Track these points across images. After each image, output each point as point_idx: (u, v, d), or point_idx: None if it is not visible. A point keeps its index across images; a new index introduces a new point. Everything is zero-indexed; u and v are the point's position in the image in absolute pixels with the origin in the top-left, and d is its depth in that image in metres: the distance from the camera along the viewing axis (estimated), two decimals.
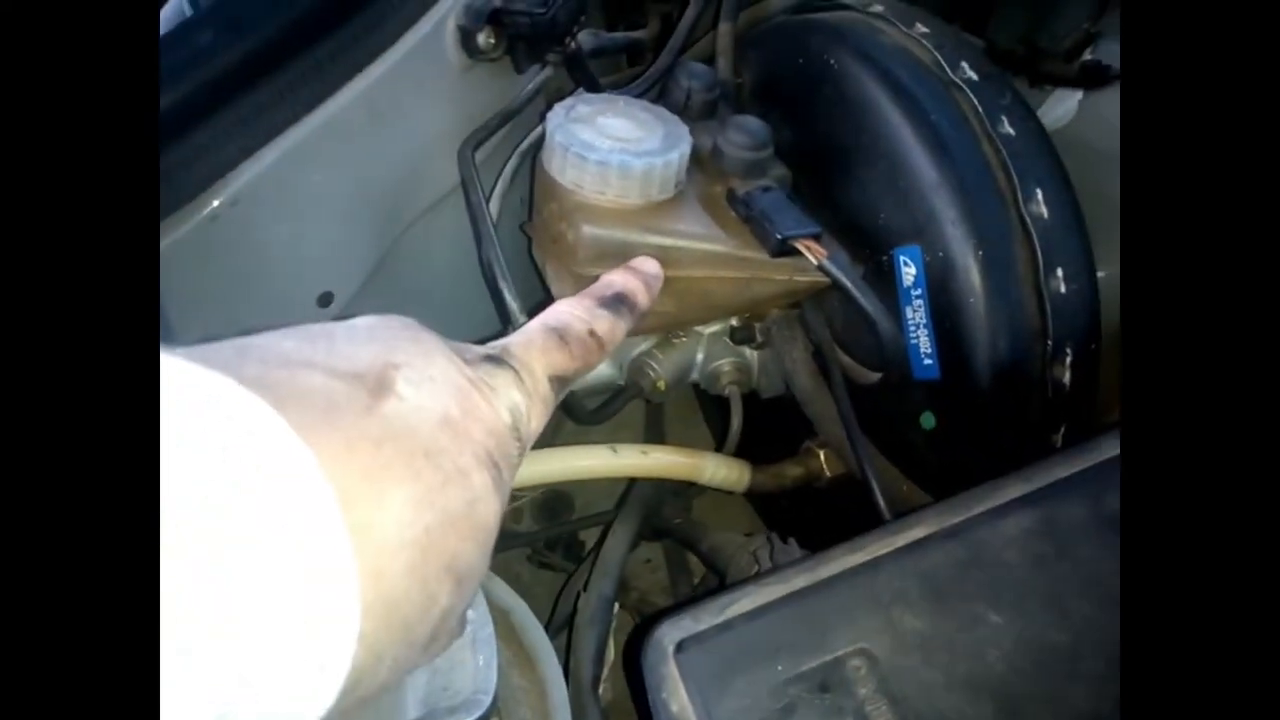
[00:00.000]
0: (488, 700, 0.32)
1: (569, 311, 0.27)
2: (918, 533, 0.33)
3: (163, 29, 0.40)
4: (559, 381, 0.26)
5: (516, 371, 0.24)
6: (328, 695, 0.17)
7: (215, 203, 0.40)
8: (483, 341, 0.26)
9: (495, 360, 0.24)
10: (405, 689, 0.32)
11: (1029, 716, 0.28)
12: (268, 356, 0.19)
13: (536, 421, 0.25)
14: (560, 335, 0.26)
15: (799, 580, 0.33)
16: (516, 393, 0.24)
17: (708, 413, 0.77)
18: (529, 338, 0.26)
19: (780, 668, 0.30)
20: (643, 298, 0.30)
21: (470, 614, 0.34)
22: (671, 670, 0.31)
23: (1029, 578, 0.31)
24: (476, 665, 0.33)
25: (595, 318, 0.27)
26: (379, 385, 0.20)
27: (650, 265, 0.32)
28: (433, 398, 0.21)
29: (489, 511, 0.21)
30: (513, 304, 0.46)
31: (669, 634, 0.32)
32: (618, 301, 0.29)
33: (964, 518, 0.34)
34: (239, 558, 0.16)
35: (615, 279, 0.30)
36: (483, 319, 0.59)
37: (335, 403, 0.19)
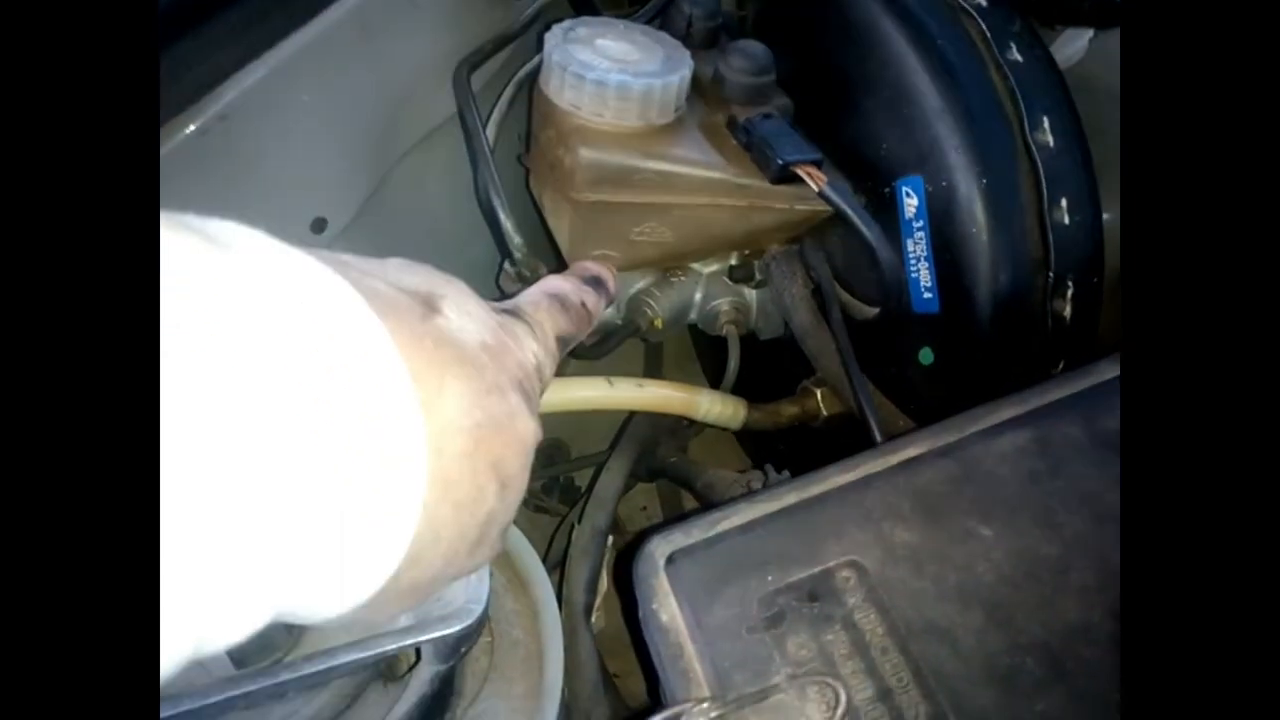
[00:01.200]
0: (479, 609, 0.32)
1: (563, 283, 0.29)
2: (911, 452, 0.33)
3: None
4: (561, 342, 0.28)
5: (531, 327, 0.26)
6: (398, 549, 0.18)
7: (203, 117, 0.39)
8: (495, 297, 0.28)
9: (513, 314, 0.26)
10: None
11: (1019, 624, 0.28)
12: (332, 260, 0.20)
13: (548, 373, 0.26)
14: (561, 302, 0.28)
15: (790, 497, 0.33)
16: (534, 343, 0.26)
17: (704, 359, 0.76)
18: (535, 300, 0.28)
19: (770, 578, 0.30)
20: (611, 284, 0.32)
21: None
22: (662, 581, 0.31)
23: (1021, 493, 0.31)
24: (468, 577, 0.33)
25: (583, 292, 0.29)
26: (428, 305, 0.22)
27: (606, 265, 0.34)
28: (471, 325, 0.22)
29: (526, 429, 0.23)
30: (507, 223, 0.45)
31: (660, 547, 0.32)
32: (598, 281, 0.31)
33: (958, 437, 0.33)
34: (320, 413, 0.17)
35: (589, 265, 0.32)
36: (478, 253, 0.58)
37: (399, 305, 0.20)
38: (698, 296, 0.54)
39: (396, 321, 0.19)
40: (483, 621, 0.33)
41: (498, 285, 0.55)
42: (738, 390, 0.56)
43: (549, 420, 0.40)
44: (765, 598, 0.30)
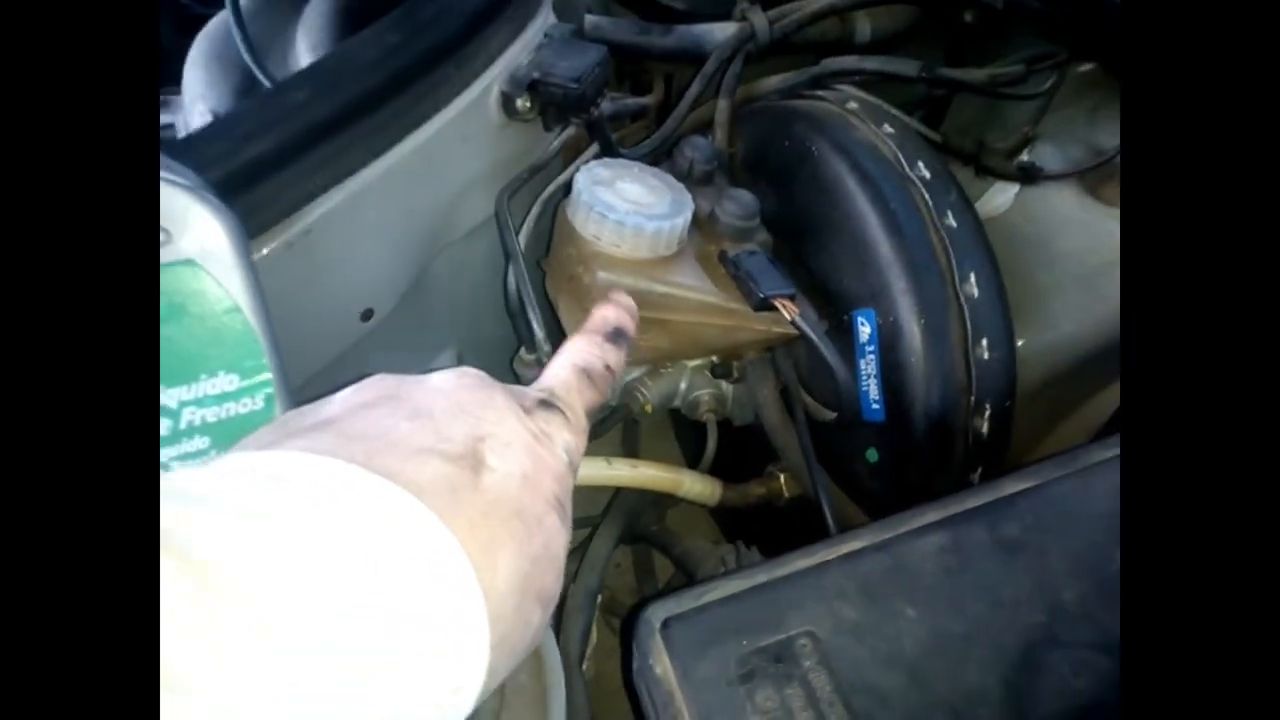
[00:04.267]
0: None
1: (587, 350, 0.32)
2: (855, 545, 0.42)
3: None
4: (591, 415, 0.31)
5: (565, 414, 0.29)
6: (463, 711, 0.22)
7: (291, 232, 0.47)
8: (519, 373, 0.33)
9: (548, 405, 0.29)
10: None
11: (932, 685, 0.37)
12: (396, 446, 0.24)
13: (579, 454, 0.30)
14: (588, 375, 0.31)
15: (761, 576, 0.41)
16: (568, 433, 0.29)
17: (680, 434, 0.85)
18: (566, 380, 0.31)
19: (744, 642, 0.39)
20: (631, 330, 0.35)
21: None
22: (657, 642, 0.39)
23: (938, 583, 0.40)
24: None
25: (606, 353, 0.33)
26: (476, 461, 0.25)
27: (627, 299, 0.37)
28: (513, 461, 0.26)
29: (559, 545, 0.27)
30: (540, 332, 0.54)
31: (656, 613, 0.40)
32: (618, 335, 0.34)
33: (892, 535, 0.42)
34: (404, 619, 0.21)
35: (609, 315, 0.34)
36: (496, 334, 0.66)
37: (455, 487, 0.24)
38: (682, 386, 0.63)
39: (453, 510, 0.23)
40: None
41: (511, 368, 0.63)
42: (713, 466, 0.64)
43: None
44: (740, 658, 0.38)
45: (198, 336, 0.36)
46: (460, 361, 0.69)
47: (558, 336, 0.61)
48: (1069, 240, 0.62)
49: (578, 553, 0.61)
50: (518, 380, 0.62)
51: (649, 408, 0.62)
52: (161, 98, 0.85)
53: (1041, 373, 0.60)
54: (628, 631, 0.41)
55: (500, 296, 0.66)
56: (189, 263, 0.36)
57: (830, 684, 0.37)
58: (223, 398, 0.37)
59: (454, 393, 0.28)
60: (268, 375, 0.38)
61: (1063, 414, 0.65)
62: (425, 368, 0.72)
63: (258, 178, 0.45)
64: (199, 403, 0.37)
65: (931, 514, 0.43)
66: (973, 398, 0.52)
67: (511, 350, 0.66)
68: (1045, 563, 0.40)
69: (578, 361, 0.32)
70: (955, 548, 0.41)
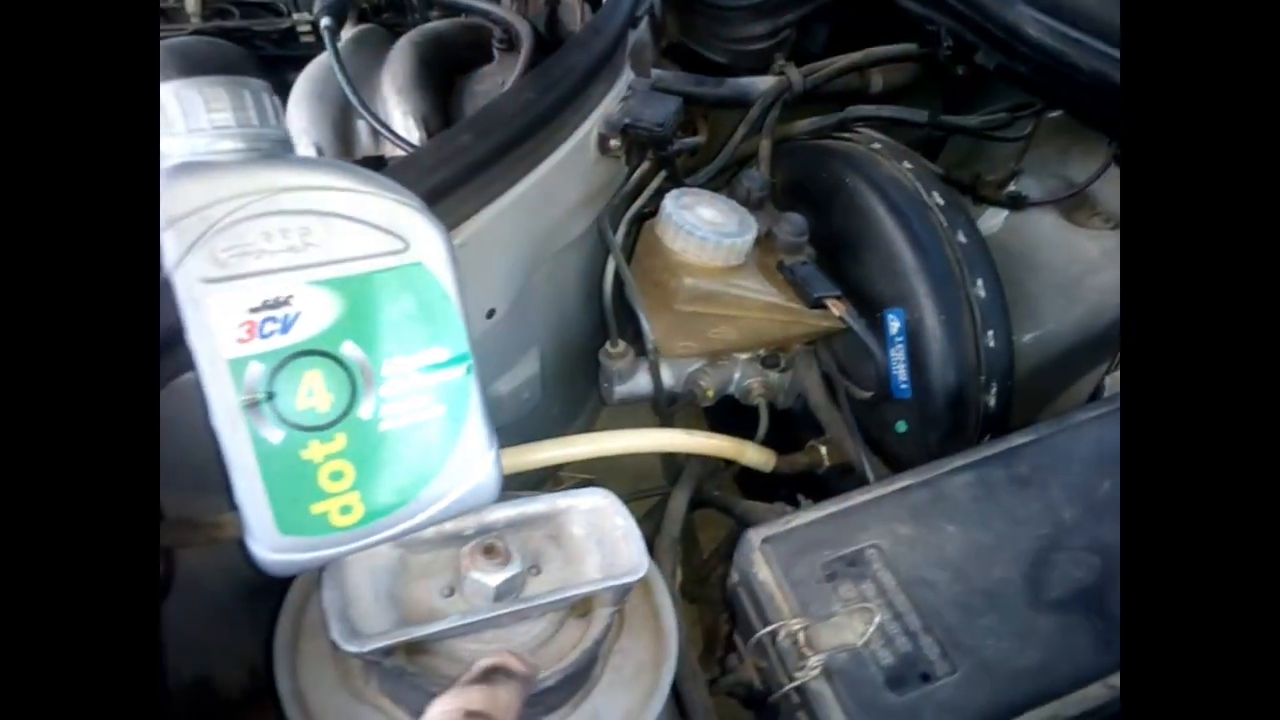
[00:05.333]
0: (643, 567, 0.51)
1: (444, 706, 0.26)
2: (904, 483, 0.55)
3: None
4: None
5: None
6: None
7: (454, 243, 0.59)
8: None
9: None
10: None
11: (969, 579, 0.50)
12: None
13: None
14: None
15: (833, 507, 0.54)
16: None
17: (713, 417, 0.97)
18: None
19: (826, 553, 0.51)
20: (519, 668, 0.28)
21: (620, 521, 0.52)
22: (758, 554, 0.51)
23: (969, 507, 0.53)
24: (631, 546, 0.52)
25: (475, 699, 0.26)
26: None
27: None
28: None
29: None
30: (646, 324, 0.66)
31: (757, 534, 0.52)
32: (492, 674, 0.28)
33: (932, 475, 0.55)
34: None
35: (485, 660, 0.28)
36: (578, 341, 0.79)
37: None
38: (736, 376, 0.76)
39: None
40: (642, 577, 0.52)
41: (596, 358, 0.75)
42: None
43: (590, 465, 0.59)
44: (825, 564, 0.51)
45: (423, 318, 0.48)
46: (542, 360, 0.81)
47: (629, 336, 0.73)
48: (1050, 256, 0.77)
49: (657, 511, 0.73)
50: (598, 369, 0.74)
51: (710, 393, 0.74)
52: None
53: (1032, 362, 0.73)
54: (728, 552, 0.53)
55: (582, 303, 0.78)
56: (418, 264, 0.48)
57: (894, 580, 0.49)
58: (437, 366, 0.49)
59: None
60: (467, 350, 0.50)
61: (1049, 398, 0.79)
62: (516, 362, 0.84)
63: (437, 199, 0.57)
64: (422, 370, 0.49)
65: (960, 460, 0.56)
66: (982, 377, 0.65)
67: (586, 350, 0.79)
68: (1048, 492, 0.54)
69: None
70: (981, 482, 0.54)
